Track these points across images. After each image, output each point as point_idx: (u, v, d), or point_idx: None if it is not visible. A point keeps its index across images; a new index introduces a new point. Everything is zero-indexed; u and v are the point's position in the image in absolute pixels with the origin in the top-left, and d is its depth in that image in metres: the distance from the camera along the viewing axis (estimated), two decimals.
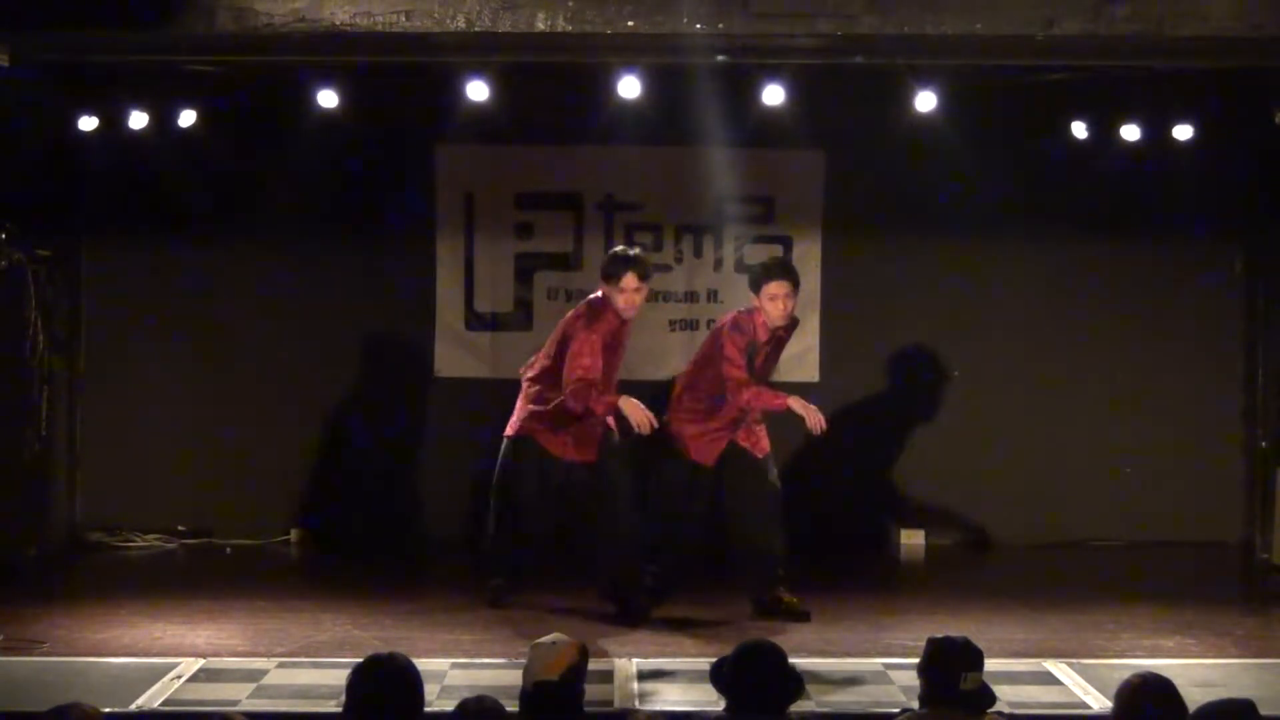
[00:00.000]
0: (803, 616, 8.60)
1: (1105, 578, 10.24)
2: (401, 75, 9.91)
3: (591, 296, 8.78)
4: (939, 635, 5.30)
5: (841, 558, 10.84)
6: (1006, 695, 6.53)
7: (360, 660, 5.06)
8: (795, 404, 8.45)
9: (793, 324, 8.83)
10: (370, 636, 8.22)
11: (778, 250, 11.04)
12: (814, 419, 8.38)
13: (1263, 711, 4.91)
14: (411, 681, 4.97)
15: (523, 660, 5.26)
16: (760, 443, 8.73)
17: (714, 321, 9.61)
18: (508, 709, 5.03)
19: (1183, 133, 10.52)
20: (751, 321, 8.63)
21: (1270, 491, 10.63)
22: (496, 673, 7.32)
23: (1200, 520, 11.06)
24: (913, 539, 11.14)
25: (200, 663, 7.63)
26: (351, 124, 10.33)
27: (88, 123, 10.24)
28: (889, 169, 10.81)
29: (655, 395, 8.95)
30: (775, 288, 8.58)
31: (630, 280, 8.53)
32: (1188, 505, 11.07)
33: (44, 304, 10.24)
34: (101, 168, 10.66)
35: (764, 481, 8.70)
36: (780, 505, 8.74)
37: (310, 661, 7.74)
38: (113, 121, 10.25)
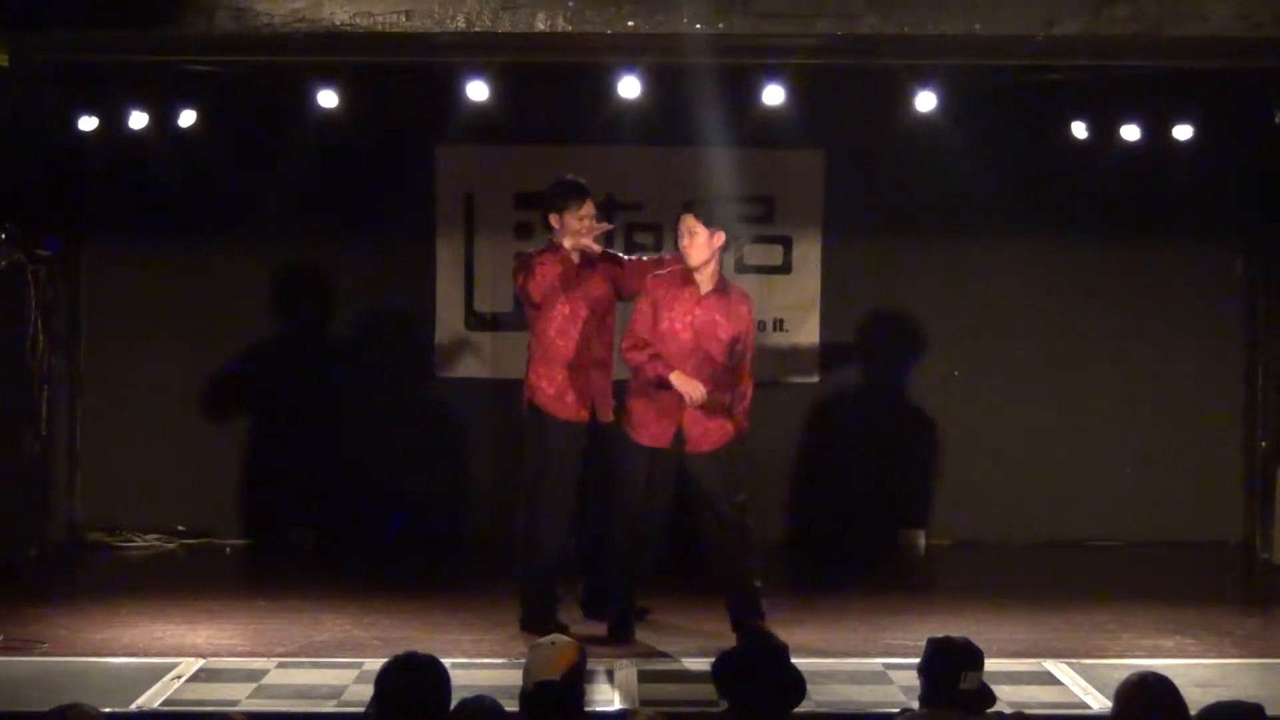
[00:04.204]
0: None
1: (1105, 578, 10.23)
2: (401, 75, 9.92)
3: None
4: (939, 635, 5.30)
5: (842, 558, 10.84)
6: (1006, 695, 6.52)
7: (389, 659, 5.07)
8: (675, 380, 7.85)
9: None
10: (370, 636, 8.23)
11: (778, 250, 11.04)
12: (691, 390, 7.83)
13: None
14: (441, 681, 4.99)
15: (523, 660, 5.26)
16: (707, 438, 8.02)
17: None
18: (508, 709, 5.04)
19: (1183, 133, 10.50)
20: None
21: (1270, 491, 10.63)
22: (496, 673, 7.32)
23: (1200, 520, 11.04)
24: (913, 539, 11.16)
25: (200, 663, 7.63)
26: (351, 124, 10.34)
27: (88, 123, 10.24)
28: (889, 169, 10.80)
29: None
30: (687, 223, 8.11)
31: (589, 206, 8.23)
32: (1188, 505, 11.05)
33: (44, 304, 10.23)
34: (101, 168, 10.67)
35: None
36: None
37: (310, 661, 7.75)
38: (113, 121, 10.24)
